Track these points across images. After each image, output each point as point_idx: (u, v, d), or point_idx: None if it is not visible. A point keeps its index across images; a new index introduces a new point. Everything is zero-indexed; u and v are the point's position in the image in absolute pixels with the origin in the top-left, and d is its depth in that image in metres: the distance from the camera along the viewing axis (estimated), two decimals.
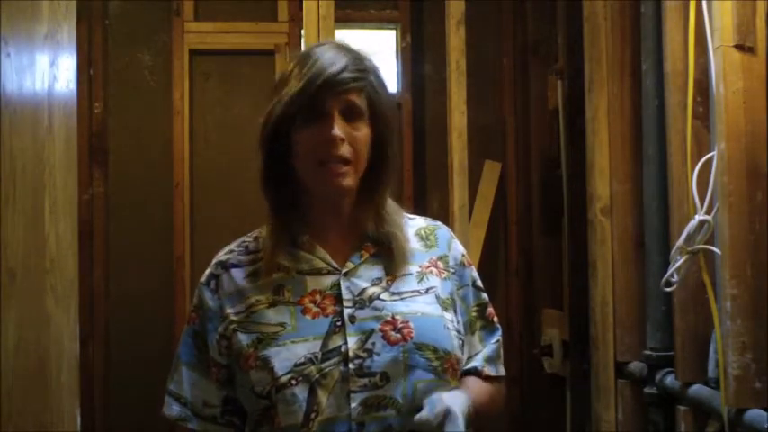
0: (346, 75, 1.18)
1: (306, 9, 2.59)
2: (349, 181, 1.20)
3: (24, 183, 1.30)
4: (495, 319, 1.37)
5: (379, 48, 3.54)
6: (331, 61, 1.19)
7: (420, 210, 3.26)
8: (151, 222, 3.35)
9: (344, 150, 1.19)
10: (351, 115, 1.20)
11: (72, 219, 1.60)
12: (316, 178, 1.20)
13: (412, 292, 1.23)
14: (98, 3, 3.34)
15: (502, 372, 1.36)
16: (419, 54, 3.47)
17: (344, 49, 1.23)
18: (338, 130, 1.18)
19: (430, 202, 3.39)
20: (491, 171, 3.41)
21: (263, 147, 1.23)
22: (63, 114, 1.54)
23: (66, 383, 1.52)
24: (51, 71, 1.47)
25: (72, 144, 1.61)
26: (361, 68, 1.22)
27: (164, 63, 3.39)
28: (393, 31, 3.55)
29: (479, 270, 1.42)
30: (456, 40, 2.67)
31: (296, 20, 3.31)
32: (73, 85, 1.65)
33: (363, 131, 1.21)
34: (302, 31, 2.65)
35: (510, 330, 3.29)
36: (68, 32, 1.59)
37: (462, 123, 2.65)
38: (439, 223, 1.36)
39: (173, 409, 1.25)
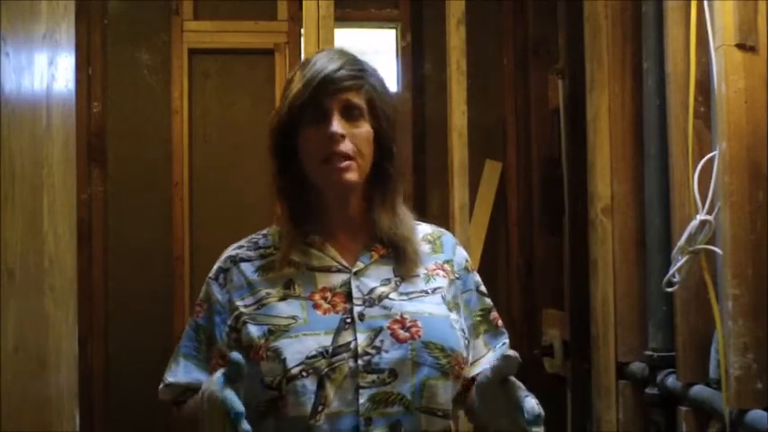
0: (343, 73, 1.23)
1: (305, 8, 2.57)
2: (352, 176, 1.23)
3: (23, 182, 1.29)
4: (500, 323, 1.40)
5: (380, 48, 3.54)
6: (328, 63, 1.24)
7: (420, 210, 3.24)
8: (151, 222, 3.34)
9: (345, 147, 1.22)
10: (350, 113, 1.24)
11: (71, 218, 1.59)
12: (321, 175, 1.24)
13: (419, 292, 1.27)
14: (97, 2, 3.34)
15: None
16: (419, 54, 3.47)
17: (341, 52, 1.29)
18: (337, 126, 1.22)
19: (430, 201, 3.38)
20: (491, 171, 3.40)
21: (273, 151, 1.27)
22: (61, 114, 1.53)
23: (65, 383, 1.51)
24: (50, 70, 1.47)
25: (71, 143, 1.60)
26: (359, 68, 1.26)
27: (163, 62, 3.38)
28: (393, 31, 3.54)
29: (480, 270, 1.45)
30: (456, 39, 2.66)
31: (295, 19, 3.30)
32: (71, 85, 1.64)
33: (364, 128, 1.25)
34: (302, 31, 2.64)
35: (511, 330, 3.27)
36: (67, 32, 1.58)
37: (462, 123, 2.65)
38: (444, 230, 1.40)
39: (167, 394, 1.31)
